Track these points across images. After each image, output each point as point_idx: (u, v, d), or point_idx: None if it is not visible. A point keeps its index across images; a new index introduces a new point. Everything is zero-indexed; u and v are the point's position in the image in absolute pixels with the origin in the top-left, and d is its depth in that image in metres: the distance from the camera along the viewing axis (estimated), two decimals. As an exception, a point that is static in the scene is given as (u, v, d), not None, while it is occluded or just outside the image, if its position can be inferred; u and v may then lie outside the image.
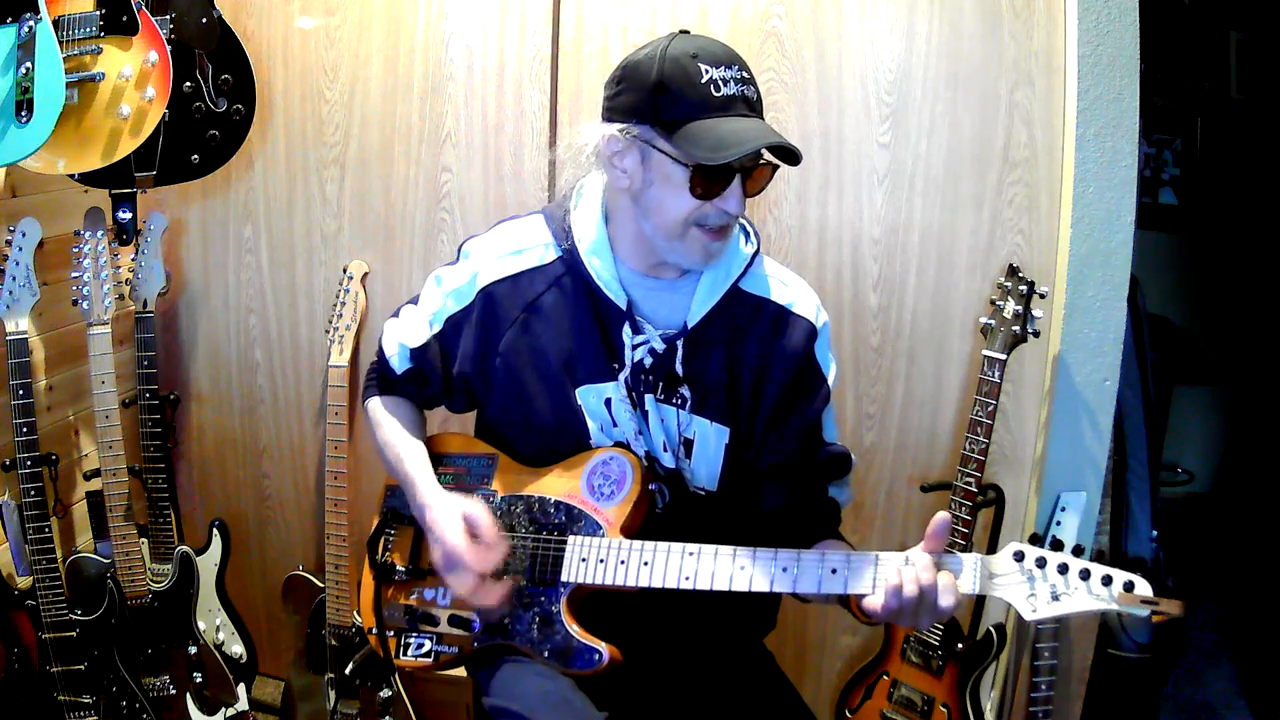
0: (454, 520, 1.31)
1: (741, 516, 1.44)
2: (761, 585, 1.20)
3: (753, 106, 1.22)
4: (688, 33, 1.26)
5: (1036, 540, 1.12)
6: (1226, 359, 3.44)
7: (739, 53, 1.24)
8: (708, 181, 1.21)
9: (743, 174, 1.23)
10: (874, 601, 1.14)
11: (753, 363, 1.35)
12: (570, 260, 1.35)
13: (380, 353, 1.51)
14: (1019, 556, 1.08)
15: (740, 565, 1.21)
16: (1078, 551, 1.07)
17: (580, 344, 1.35)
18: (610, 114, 1.26)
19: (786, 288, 1.38)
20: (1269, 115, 3.24)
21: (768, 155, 1.24)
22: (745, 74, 1.22)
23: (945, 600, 1.11)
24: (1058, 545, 1.09)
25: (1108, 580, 1.04)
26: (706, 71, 1.19)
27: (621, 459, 1.33)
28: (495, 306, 1.38)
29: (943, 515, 1.14)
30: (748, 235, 1.38)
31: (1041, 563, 1.07)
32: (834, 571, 1.17)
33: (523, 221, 1.43)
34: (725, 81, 1.20)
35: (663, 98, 1.20)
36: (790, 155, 1.21)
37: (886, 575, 1.14)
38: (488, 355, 1.39)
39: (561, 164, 1.37)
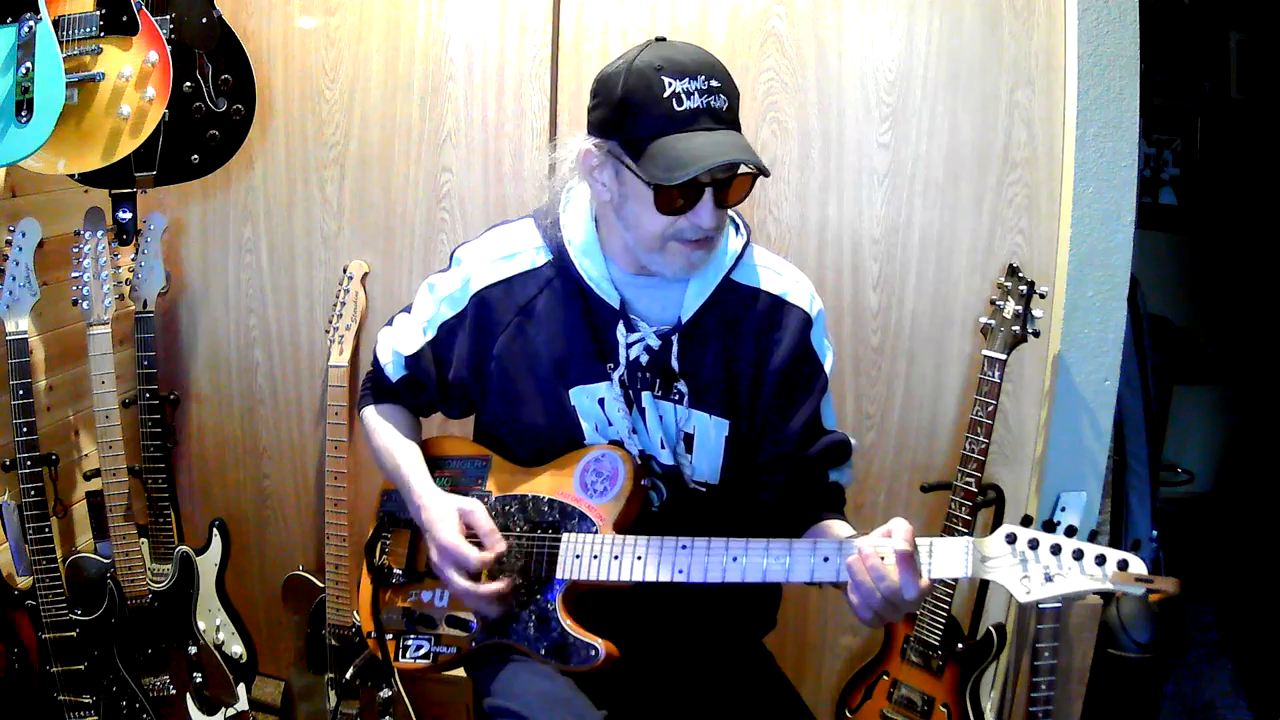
0: (449, 517, 1.32)
1: (742, 509, 1.44)
2: (755, 576, 1.19)
3: (719, 118, 1.19)
4: (664, 40, 1.24)
5: (1028, 523, 1.10)
6: (1227, 359, 3.44)
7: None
8: (671, 199, 1.20)
9: (715, 186, 1.20)
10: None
11: (749, 354, 1.34)
12: (561, 263, 1.35)
13: (375, 361, 1.52)
14: (1011, 539, 1.08)
15: (733, 557, 1.20)
16: (1070, 532, 1.06)
17: (573, 345, 1.35)
18: (589, 127, 1.27)
19: (780, 277, 1.38)
20: (1269, 115, 3.24)
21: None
22: (714, 83, 1.19)
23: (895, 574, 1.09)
24: (1050, 527, 1.07)
25: (1101, 560, 1.03)
26: (669, 84, 1.17)
27: (613, 455, 1.33)
28: (488, 311, 1.38)
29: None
30: (738, 227, 1.38)
31: (1034, 544, 1.06)
32: (826, 560, 1.17)
33: (513, 226, 1.43)
34: (689, 94, 1.17)
35: (626, 115, 1.19)
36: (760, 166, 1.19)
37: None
38: (482, 360, 1.39)
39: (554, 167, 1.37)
